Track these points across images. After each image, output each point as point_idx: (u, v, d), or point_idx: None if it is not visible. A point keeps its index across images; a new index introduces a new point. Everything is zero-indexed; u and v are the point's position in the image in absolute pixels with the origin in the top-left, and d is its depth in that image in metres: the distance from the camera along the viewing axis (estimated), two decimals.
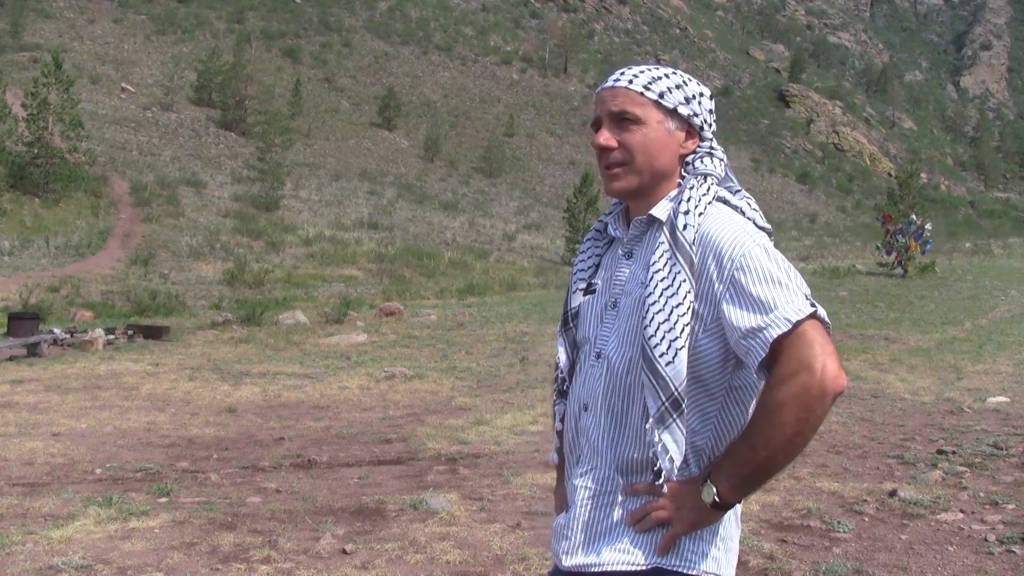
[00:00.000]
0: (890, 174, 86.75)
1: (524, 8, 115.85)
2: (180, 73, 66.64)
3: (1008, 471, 5.80)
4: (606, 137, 1.58)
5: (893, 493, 5.14)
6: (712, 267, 1.48)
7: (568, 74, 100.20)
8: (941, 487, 5.36)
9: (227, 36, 78.84)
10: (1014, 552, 4.17)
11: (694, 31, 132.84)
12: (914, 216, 27.71)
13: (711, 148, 1.62)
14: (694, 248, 1.49)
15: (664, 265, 1.50)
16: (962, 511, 4.84)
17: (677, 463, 1.49)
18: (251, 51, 72.16)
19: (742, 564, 3.93)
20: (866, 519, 4.72)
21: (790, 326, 1.40)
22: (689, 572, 1.51)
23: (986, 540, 4.34)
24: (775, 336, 1.40)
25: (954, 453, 6.29)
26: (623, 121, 1.57)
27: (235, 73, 62.07)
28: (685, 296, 1.48)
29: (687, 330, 1.47)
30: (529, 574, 3.92)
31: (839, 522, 4.62)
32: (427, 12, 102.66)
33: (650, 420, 1.49)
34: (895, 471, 5.85)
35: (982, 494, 5.19)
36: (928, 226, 28.01)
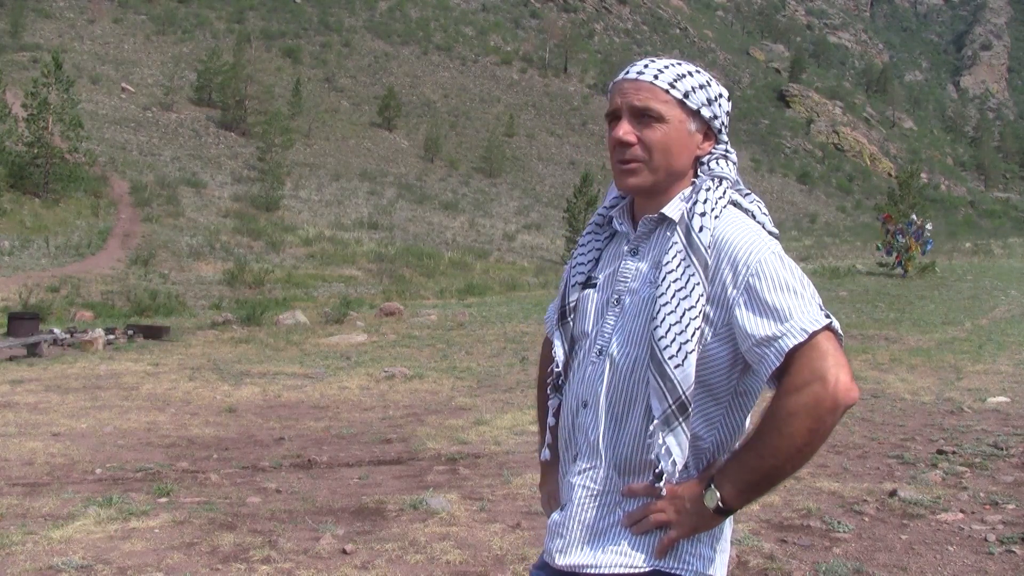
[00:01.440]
0: (890, 174, 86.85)
1: (524, 8, 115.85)
2: (180, 73, 66.63)
3: (1008, 471, 5.80)
4: (626, 131, 1.54)
5: (893, 493, 5.14)
6: (727, 272, 1.46)
7: (568, 74, 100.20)
8: (941, 487, 5.36)
9: (227, 36, 78.85)
10: (1014, 552, 4.17)
11: (694, 31, 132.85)
12: (914, 216, 27.68)
13: (726, 151, 1.60)
14: (710, 251, 1.48)
15: (678, 266, 1.48)
16: (962, 511, 4.84)
17: (679, 466, 1.48)
18: (251, 51, 72.21)
19: (742, 564, 3.93)
20: (866, 519, 4.72)
21: (806, 336, 1.39)
22: (687, 575, 1.50)
23: (986, 540, 4.34)
24: (791, 346, 1.39)
25: (954, 453, 6.29)
26: (645, 117, 1.53)
27: (235, 73, 62.07)
28: (698, 299, 1.46)
29: (698, 333, 1.46)
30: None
31: (839, 522, 4.62)
32: (427, 12, 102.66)
33: (655, 422, 1.47)
34: (895, 471, 5.85)
35: (982, 494, 5.19)
36: (928, 226, 27.97)
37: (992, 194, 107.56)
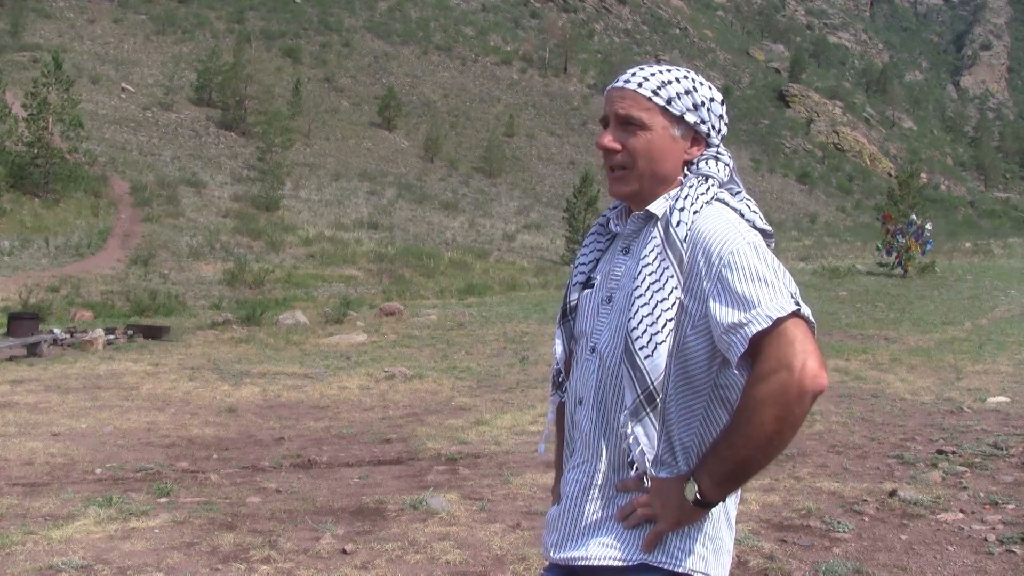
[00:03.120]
0: (890, 174, 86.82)
1: (524, 8, 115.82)
2: (180, 73, 66.60)
3: (1008, 471, 5.80)
4: (609, 140, 1.59)
5: (893, 493, 5.14)
6: (702, 263, 1.49)
7: (568, 74, 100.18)
8: (941, 487, 5.36)
9: (227, 36, 78.82)
10: (1014, 552, 4.17)
11: (694, 31, 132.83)
12: (914, 216, 27.68)
13: (718, 153, 1.62)
14: (685, 245, 1.50)
15: (654, 260, 1.52)
16: (962, 511, 4.84)
17: (649, 457, 1.50)
18: (251, 51, 72.07)
19: (742, 564, 3.93)
20: (866, 519, 4.72)
21: (771, 323, 1.40)
22: (675, 569, 1.52)
23: (986, 540, 4.34)
24: (755, 332, 1.41)
25: (954, 453, 6.29)
26: (628, 125, 1.57)
27: (235, 73, 62.01)
28: (671, 292, 1.49)
29: (670, 325, 1.49)
30: (529, 574, 3.92)
31: (839, 522, 4.62)
32: (427, 12, 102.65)
33: (625, 412, 1.51)
34: (895, 471, 5.85)
35: (982, 494, 5.19)
36: (928, 226, 27.97)
37: (992, 194, 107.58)
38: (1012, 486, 5.41)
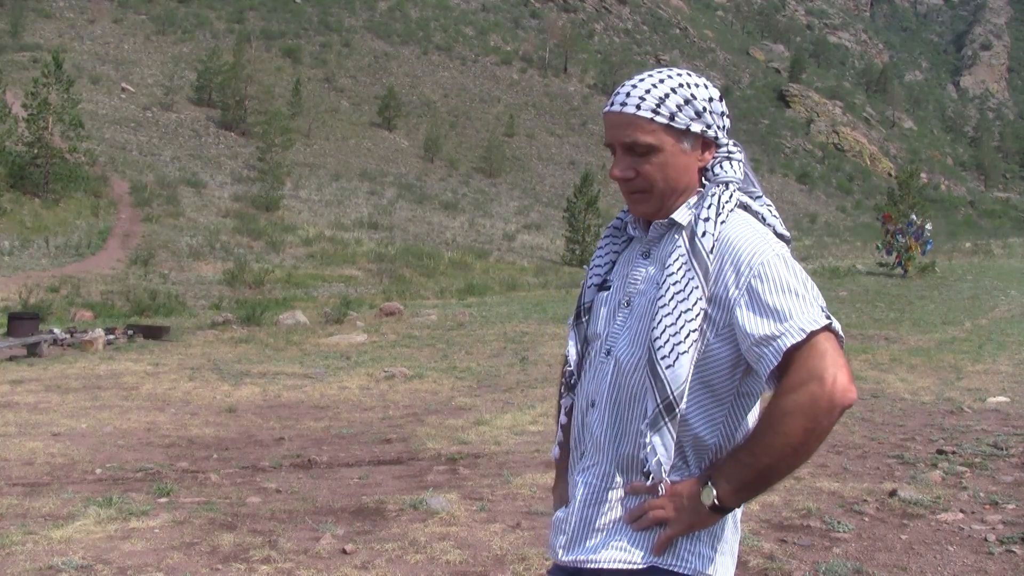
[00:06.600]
0: (890, 174, 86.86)
1: (524, 8, 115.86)
2: (180, 73, 66.66)
3: (1008, 471, 5.80)
4: (622, 170, 1.56)
5: (893, 493, 5.14)
6: (729, 273, 1.48)
7: (568, 74, 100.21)
8: (941, 487, 5.35)
9: (227, 36, 78.85)
10: (1014, 552, 4.17)
11: (694, 31, 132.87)
12: (914, 216, 27.69)
13: (728, 152, 1.60)
14: (711, 256, 1.49)
15: (679, 270, 1.51)
16: (962, 511, 4.84)
17: (665, 466, 1.49)
18: (251, 51, 72.11)
19: (742, 564, 3.93)
20: (866, 519, 4.72)
21: (804, 336, 1.40)
22: (685, 572, 1.52)
23: (986, 540, 4.34)
24: (789, 345, 1.40)
25: (954, 453, 6.29)
26: (637, 150, 1.54)
27: (235, 73, 62.05)
28: (695, 302, 1.48)
29: (693, 336, 1.48)
30: (529, 574, 3.92)
31: (839, 522, 4.62)
32: (427, 12, 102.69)
33: (645, 421, 1.50)
34: (895, 471, 5.85)
35: (982, 494, 5.19)
36: (928, 226, 27.99)
37: (992, 194, 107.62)
38: (1012, 486, 5.41)
